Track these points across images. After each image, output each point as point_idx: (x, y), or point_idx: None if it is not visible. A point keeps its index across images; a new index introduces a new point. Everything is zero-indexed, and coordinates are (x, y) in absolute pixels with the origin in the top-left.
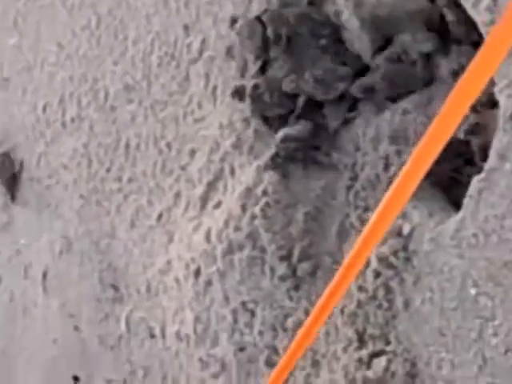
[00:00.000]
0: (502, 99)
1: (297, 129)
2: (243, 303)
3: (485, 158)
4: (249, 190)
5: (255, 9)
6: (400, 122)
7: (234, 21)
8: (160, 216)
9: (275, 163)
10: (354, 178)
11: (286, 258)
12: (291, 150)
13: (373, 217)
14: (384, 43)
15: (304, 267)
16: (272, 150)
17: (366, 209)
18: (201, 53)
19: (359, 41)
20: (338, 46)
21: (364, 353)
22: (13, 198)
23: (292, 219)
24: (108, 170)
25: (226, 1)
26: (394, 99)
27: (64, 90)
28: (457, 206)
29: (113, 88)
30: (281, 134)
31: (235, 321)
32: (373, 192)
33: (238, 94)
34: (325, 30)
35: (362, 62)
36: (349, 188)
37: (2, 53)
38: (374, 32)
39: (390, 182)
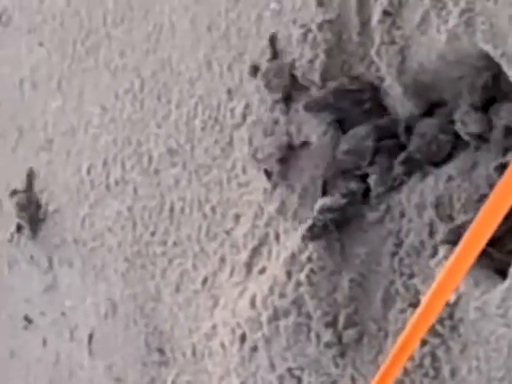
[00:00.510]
0: None
1: (333, 199)
2: (289, 369)
3: None
4: (293, 256)
5: None
6: (444, 188)
7: (255, 68)
8: (205, 280)
9: (313, 234)
10: (399, 245)
11: (332, 324)
12: (328, 220)
13: (423, 302)
14: (428, 109)
15: (350, 334)
16: (310, 221)
17: (411, 276)
18: (244, 117)
19: (402, 107)
20: (380, 110)
21: None
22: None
23: (337, 286)
24: (153, 234)
25: None
26: (437, 163)
27: (108, 153)
28: (503, 274)
29: (156, 151)
30: (318, 204)
31: None
32: (417, 259)
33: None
34: (366, 95)
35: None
36: (393, 254)
37: (46, 115)
38: (417, 98)
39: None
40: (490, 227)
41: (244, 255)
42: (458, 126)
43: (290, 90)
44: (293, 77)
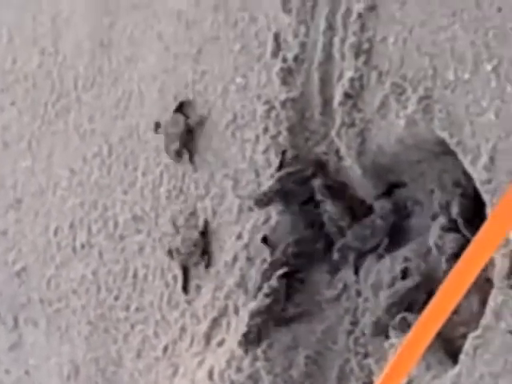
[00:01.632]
0: (497, 258)
1: (258, 302)
2: None
3: None
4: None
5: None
6: (400, 270)
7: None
8: (166, 348)
9: (249, 339)
10: (355, 323)
11: None
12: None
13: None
14: (386, 190)
15: None
16: (244, 329)
17: (366, 355)
18: (208, 189)
19: (362, 187)
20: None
21: None
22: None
23: (293, 362)
24: (116, 298)
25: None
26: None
27: (75, 216)
28: (455, 357)
29: (122, 217)
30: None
31: None
32: (372, 339)
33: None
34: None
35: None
36: (349, 333)
37: (16, 174)
38: (376, 179)
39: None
40: (444, 314)
41: (204, 326)
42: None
43: None
44: None
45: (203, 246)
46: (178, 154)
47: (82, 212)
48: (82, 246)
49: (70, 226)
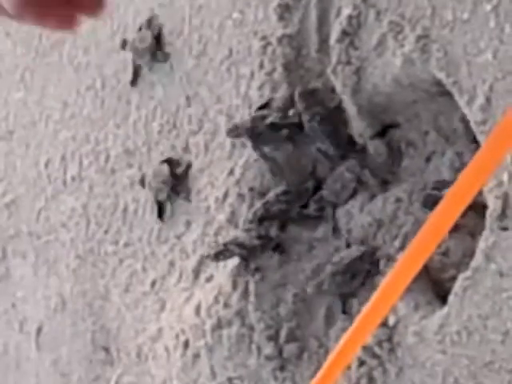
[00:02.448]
0: (490, 199)
1: (247, 238)
2: (229, 379)
3: None
4: (240, 267)
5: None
6: (392, 210)
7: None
8: (153, 283)
9: (217, 258)
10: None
11: (273, 338)
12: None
13: (363, 311)
14: (381, 130)
15: (290, 349)
16: (220, 247)
17: (353, 294)
18: (201, 124)
19: (356, 126)
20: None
21: None
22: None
23: (281, 299)
24: (105, 232)
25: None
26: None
27: (66, 149)
28: (444, 299)
29: (114, 151)
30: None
31: None
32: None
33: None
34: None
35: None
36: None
37: (8, 106)
38: (370, 119)
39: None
40: (433, 243)
41: (193, 261)
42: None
43: None
44: None
45: (171, 185)
46: None
47: (74, 145)
48: (73, 179)
49: (61, 159)
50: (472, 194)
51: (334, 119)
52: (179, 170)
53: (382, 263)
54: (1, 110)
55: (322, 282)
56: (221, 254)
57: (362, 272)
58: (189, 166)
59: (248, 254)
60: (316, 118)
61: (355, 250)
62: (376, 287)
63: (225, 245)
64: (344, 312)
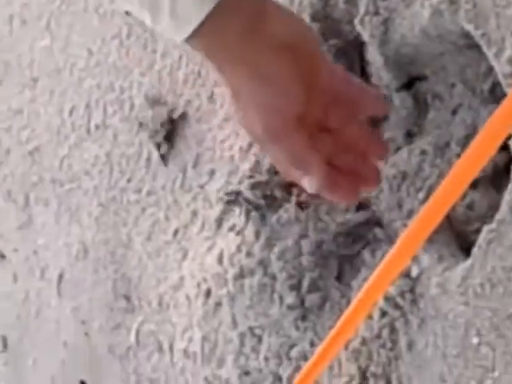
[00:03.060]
0: None
1: None
2: (251, 328)
3: None
4: (263, 217)
5: None
6: (417, 162)
7: None
8: (176, 232)
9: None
10: None
11: (296, 287)
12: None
13: (385, 259)
14: (408, 82)
15: (312, 298)
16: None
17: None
18: None
19: (382, 77)
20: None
21: None
22: None
23: (303, 250)
24: (128, 181)
25: None
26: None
27: (91, 96)
28: (468, 252)
29: (138, 99)
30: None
31: (242, 345)
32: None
33: None
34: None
35: None
36: None
37: (33, 53)
38: (397, 70)
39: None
40: (454, 196)
41: (216, 211)
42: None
43: None
44: None
45: (167, 131)
46: None
47: (98, 93)
48: (97, 127)
49: (85, 107)
50: (497, 144)
51: (349, 54)
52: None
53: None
54: (25, 57)
55: (322, 241)
56: (232, 202)
57: (365, 237)
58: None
59: (268, 204)
60: (331, 51)
61: (361, 215)
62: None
63: (237, 193)
64: (339, 277)
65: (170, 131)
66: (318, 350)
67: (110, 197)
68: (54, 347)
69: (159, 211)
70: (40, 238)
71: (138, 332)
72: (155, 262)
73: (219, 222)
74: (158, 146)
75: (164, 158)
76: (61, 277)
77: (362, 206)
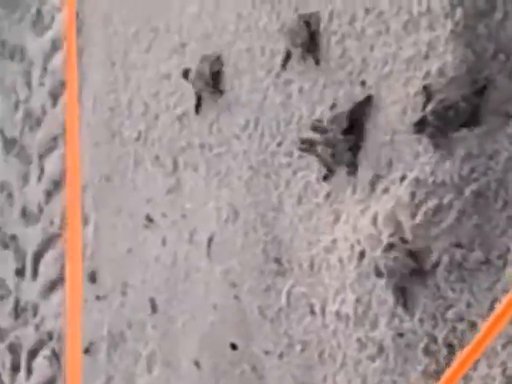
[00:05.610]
0: None
1: None
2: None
3: None
4: (418, 180)
5: None
6: None
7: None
8: (328, 195)
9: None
10: None
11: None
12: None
13: None
14: None
15: (475, 256)
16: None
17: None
18: None
19: None
20: None
21: None
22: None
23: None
24: (279, 144)
25: None
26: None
27: (240, 61)
28: None
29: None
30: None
31: (396, 306)
32: None
33: None
34: None
35: None
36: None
37: (182, 18)
38: None
39: None
40: None
41: (369, 174)
42: None
43: None
44: None
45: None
46: None
47: (248, 57)
48: (248, 92)
49: (234, 72)
50: None
51: None
52: None
53: None
54: (175, 22)
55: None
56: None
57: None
58: None
59: None
60: None
61: None
62: None
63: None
64: None
65: None
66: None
67: (261, 160)
68: (203, 310)
69: (311, 174)
70: (188, 203)
71: (289, 294)
72: (306, 225)
73: (372, 184)
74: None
75: None
76: (210, 240)
77: None
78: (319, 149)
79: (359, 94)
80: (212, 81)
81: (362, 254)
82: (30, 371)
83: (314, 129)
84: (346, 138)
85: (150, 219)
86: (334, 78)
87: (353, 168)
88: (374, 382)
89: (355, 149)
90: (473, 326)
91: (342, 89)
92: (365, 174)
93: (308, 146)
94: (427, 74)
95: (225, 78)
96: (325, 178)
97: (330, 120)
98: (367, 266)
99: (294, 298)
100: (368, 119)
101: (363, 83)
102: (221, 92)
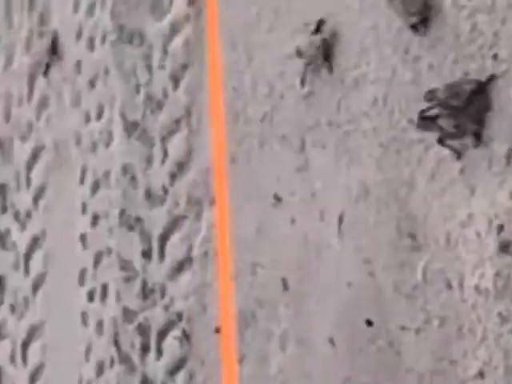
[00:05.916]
0: None
1: None
2: None
3: None
4: None
5: None
6: None
7: None
8: (462, 170)
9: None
10: None
11: None
12: None
13: None
14: None
15: None
16: None
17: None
18: None
19: None
20: None
21: None
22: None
23: None
24: (409, 121)
25: None
26: None
27: (366, 39)
28: None
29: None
30: None
31: None
32: None
33: None
34: None
35: None
36: None
37: None
38: None
39: None
40: None
41: (504, 147)
42: None
43: None
44: None
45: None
46: None
47: (374, 34)
48: (375, 70)
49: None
50: None
51: None
52: None
53: None
54: (296, 2)
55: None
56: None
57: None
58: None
59: None
60: None
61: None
62: None
63: None
64: None
65: None
66: None
67: (391, 137)
68: (336, 287)
69: (444, 150)
70: (317, 181)
71: (425, 270)
72: (441, 201)
73: (508, 157)
74: None
75: None
76: (341, 218)
77: None
78: (441, 122)
79: (491, 68)
80: (327, 59)
81: (500, 228)
82: (160, 352)
83: (429, 100)
84: (468, 108)
85: (278, 198)
86: (464, 53)
87: (478, 139)
88: None
89: (480, 121)
90: None
91: (473, 63)
92: (500, 147)
93: (428, 122)
94: None
95: (348, 56)
96: (458, 157)
97: (452, 92)
98: (506, 239)
99: (430, 274)
100: (499, 93)
101: (495, 57)
102: (340, 70)
